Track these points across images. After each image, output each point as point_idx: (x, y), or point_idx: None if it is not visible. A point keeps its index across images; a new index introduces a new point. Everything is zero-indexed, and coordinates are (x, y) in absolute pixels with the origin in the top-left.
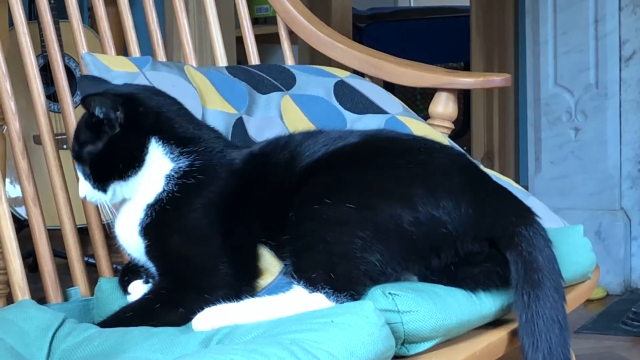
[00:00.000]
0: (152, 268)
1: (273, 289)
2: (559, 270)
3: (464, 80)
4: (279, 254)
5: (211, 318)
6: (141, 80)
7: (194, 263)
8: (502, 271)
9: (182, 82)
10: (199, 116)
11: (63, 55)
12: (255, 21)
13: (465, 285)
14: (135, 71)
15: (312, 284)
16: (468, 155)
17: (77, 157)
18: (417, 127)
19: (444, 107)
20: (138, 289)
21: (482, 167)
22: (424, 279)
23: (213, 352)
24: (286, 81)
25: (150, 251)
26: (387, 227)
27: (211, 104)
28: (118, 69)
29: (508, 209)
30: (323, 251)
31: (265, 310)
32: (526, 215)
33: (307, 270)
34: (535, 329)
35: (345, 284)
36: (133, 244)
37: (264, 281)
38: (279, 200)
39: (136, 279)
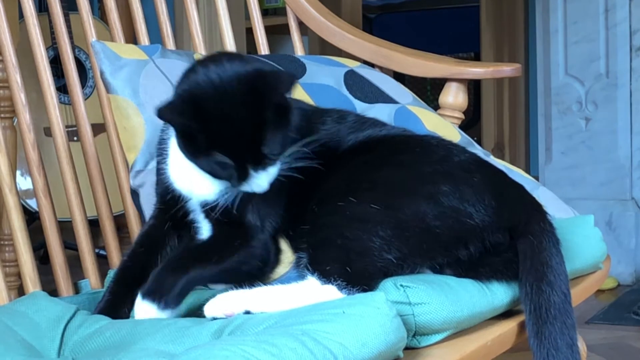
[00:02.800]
0: (198, 221)
1: (285, 281)
2: (565, 267)
3: (474, 70)
4: (295, 245)
5: (223, 304)
6: (151, 68)
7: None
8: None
9: None
10: None
11: (73, 47)
12: (265, 12)
13: (483, 274)
14: (145, 59)
15: (326, 276)
16: (478, 146)
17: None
18: (427, 117)
19: (454, 97)
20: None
21: (492, 158)
22: (440, 270)
23: (224, 343)
24: (296, 70)
25: (210, 212)
26: (410, 224)
27: None
28: (128, 57)
29: (524, 201)
30: (341, 246)
31: (277, 298)
32: (539, 210)
33: (322, 262)
34: (538, 321)
35: (359, 278)
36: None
37: (278, 272)
38: (306, 191)
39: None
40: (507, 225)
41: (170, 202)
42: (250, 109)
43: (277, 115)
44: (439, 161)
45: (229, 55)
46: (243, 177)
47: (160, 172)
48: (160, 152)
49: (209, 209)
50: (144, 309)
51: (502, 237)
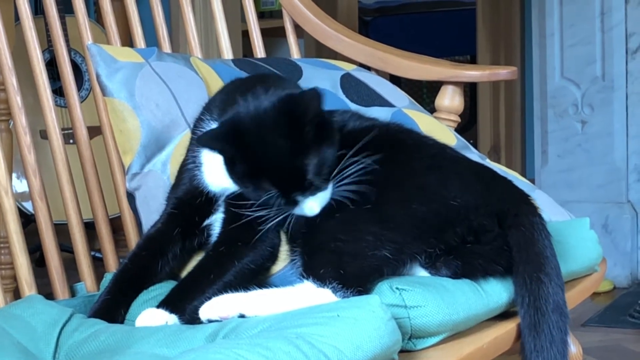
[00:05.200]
0: (216, 221)
1: (281, 277)
2: (557, 260)
3: (470, 73)
4: (290, 244)
5: (219, 307)
6: (147, 71)
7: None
8: (511, 250)
9: (188, 72)
10: None
11: (69, 49)
12: (261, 15)
13: (478, 267)
14: (141, 62)
15: (321, 280)
16: (474, 149)
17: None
18: (423, 120)
19: (450, 100)
20: (156, 317)
21: (488, 161)
22: (435, 268)
23: (218, 347)
24: (292, 74)
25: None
26: (397, 214)
27: None
28: (124, 60)
29: (512, 193)
30: (334, 250)
31: (272, 301)
32: (528, 202)
33: (316, 267)
34: (537, 312)
35: (354, 280)
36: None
37: (276, 266)
38: None
39: (126, 300)
40: (494, 210)
41: (199, 204)
42: (288, 137)
43: (316, 137)
44: (430, 157)
45: (263, 81)
46: (290, 204)
47: (193, 179)
48: (193, 160)
49: (235, 202)
50: (158, 314)
51: (489, 223)
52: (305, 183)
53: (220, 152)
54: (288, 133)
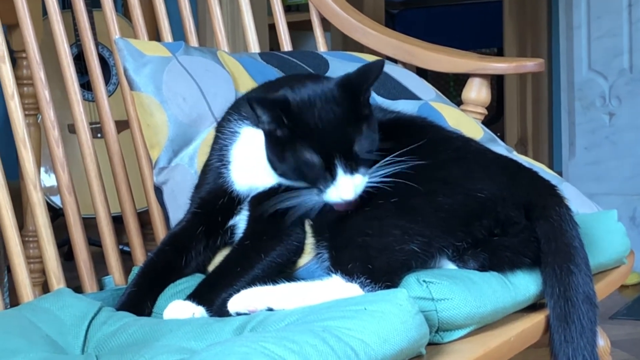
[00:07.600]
0: (241, 221)
1: (307, 270)
2: (585, 250)
3: (497, 66)
4: (315, 237)
5: (247, 300)
6: (174, 65)
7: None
8: (538, 242)
9: (215, 66)
10: (232, 100)
11: (97, 44)
12: (287, 8)
13: (505, 259)
14: (168, 56)
15: (349, 274)
16: (501, 142)
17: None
18: (450, 113)
19: (476, 92)
20: (183, 309)
21: (515, 153)
22: (462, 260)
23: (245, 340)
24: (319, 67)
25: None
26: (423, 207)
27: (244, 88)
28: (151, 54)
29: (540, 184)
30: (362, 244)
31: (300, 295)
32: (555, 194)
33: (344, 262)
34: (567, 303)
35: (382, 275)
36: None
37: (301, 260)
38: None
39: (153, 292)
40: (520, 202)
41: (222, 205)
42: (342, 103)
43: (368, 112)
44: (454, 149)
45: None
46: (331, 177)
47: (218, 177)
48: (220, 158)
49: (260, 200)
50: (185, 306)
51: (516, 214)
52: (350, 152)
53: (269, 112)
54: (343, 99)
